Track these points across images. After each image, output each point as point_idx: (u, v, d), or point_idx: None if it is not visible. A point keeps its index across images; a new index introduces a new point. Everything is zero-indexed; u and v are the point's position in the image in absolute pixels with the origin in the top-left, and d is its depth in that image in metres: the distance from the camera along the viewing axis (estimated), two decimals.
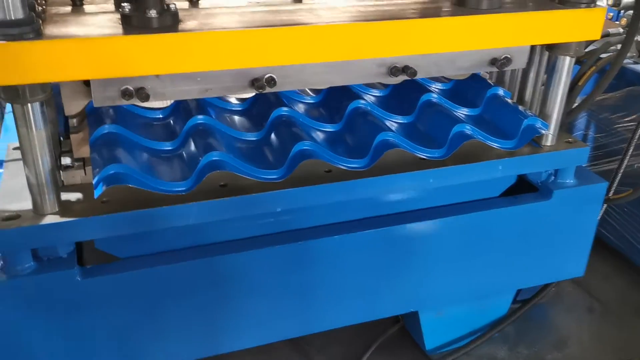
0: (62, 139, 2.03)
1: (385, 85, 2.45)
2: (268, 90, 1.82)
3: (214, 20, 1.78)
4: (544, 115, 2.25)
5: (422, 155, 2.04)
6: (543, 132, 2.16)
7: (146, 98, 1.70)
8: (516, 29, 2.00)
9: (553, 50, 2.15)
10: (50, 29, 1.63)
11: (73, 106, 1.88)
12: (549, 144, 2.26)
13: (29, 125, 1.64)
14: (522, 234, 2.34)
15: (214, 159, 1.79)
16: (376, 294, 2.23)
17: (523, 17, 1.98)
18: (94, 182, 1.67)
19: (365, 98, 2.29)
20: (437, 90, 2.42)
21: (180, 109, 2.12)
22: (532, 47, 2.21)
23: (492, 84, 2.36)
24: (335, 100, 2.28)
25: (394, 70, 1.94)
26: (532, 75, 2.31)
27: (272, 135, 2.05)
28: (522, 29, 2.00)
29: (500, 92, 2.31)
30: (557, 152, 2.25)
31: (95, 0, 1.97)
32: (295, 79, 1.86)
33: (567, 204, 2.34)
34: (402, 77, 1.97)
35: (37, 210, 1.75)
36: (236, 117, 2.22)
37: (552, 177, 2.34)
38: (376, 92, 2.43)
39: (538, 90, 2.33)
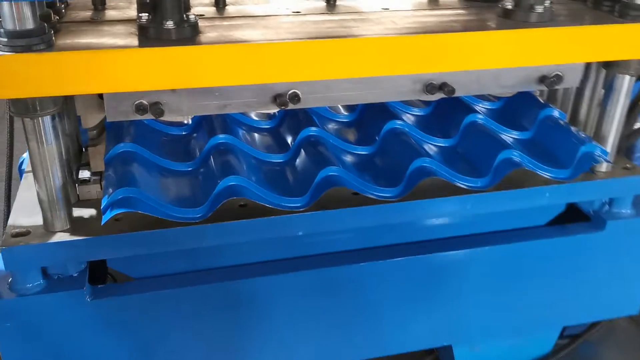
0: (84, 150, 1.96)
1: (427, 103, 2.29)
2: (291, 106, 1.70)
3: (236, 31, 1.67)
4: (599, 138, 2.06)
5: (462, 185, 1.86)
6: (602, 160, 1.95)
7: (160, 114, 1.60)
8: (568, 45, 1.81)
9: (610, 67, 1.96)
10: (63, 39, 1.55)
11: (89, 119, 1.81)
12: (603, 170, 2.06)
13: (39, 139, 1.57)
14: (570, 267, 2.14)
15: (232, 184, 1.68)
16: (408, 325, 2.08)
17: (576, 32, 1.79)
18: (102, 206, 1.59)
19: (404, 117, 2.14)
20: (483, 109, 2.25)
21: (204, 124, 2.02)
22: (587, 64, 2.02)
23: (546, 103, 2.16)
24: (370, 119, 2.13)
25: (429, 88, 1.79)
26: (587, 93, 2.11)
27: (299, 158, 1.92)
28: (575, 45, 1.81)
29: (555, 113, 2.11)
30: (613, 179, 2.04)
31: (119, 5, 1.89)
32: (321, 95, 1.74)
33: (622, 236, 2.13)
34: (439, 95, 1.81)
35: (47, 227, 1.68)
36: (262, 136, 2.11)
37: (607, 206, 2.14)
38: (416, 111, 2.27)
39: (593, 110, 2.12)
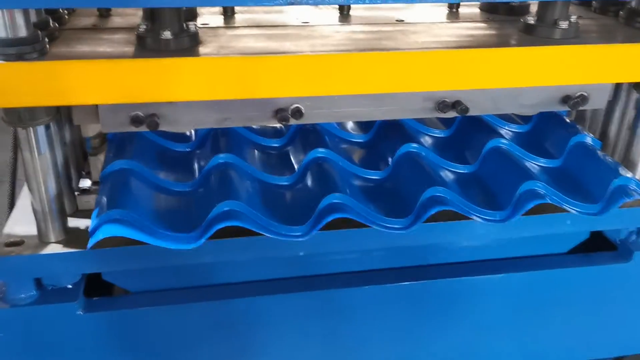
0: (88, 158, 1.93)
1: (448, 124, 2.16)
2: (294, 122, 1.63)
3: (237, 42, 1.60)
4: (628, 162, 1.93)
5: (478, 218, 1.72)
6: (637, 196, 1.77)
7: (156, 126, 1.55)
8: (593, 64, 1.69)
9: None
10: (59, 48, 1.52)
11: (88, 128, 1.76)
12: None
13: (31, 149, 1.54)
14: (593, 298, 2.01)
15: (227, 209, 1.59)
16: (414, 353, 1.98)
17: (602, 51, 1.67)
18: (90, 228, 1.54)
19: (422, 139, 2.02)
20: (509, 133, 2.11)
21: (209, 141, 1.94)
22: (617, 84, 1.88)
23: (577, 128, 2.02)
24: (385, 140, 2.01)
25: (441, 106, 1.69)
26: (617, 115, 1.97)
27: (305, 181, 1.82)
28: (601, 64, 1.69)
29: (588, 140, 1.97)
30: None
31: (126, 12, 1.85)
32: (326, 111, 1.66)
33: None
34: (452, 114, 1.71)
35: (41, 237, 1.65)
36: (268, 155, 2.01)
37: (634, 236, 1.99)
38: (436, 133, 2.13)
39: (624, 133, 1.98)
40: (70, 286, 1.71)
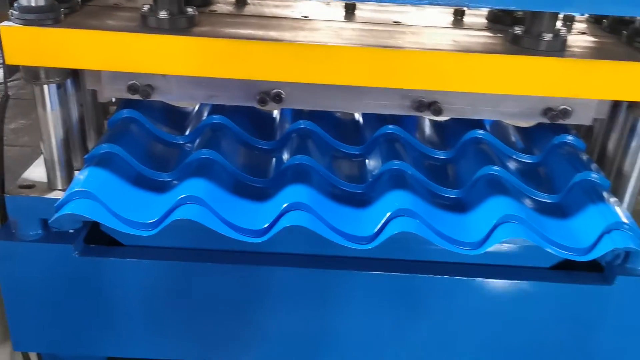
0: None
1: (453, 145, 2.12)
2: (272, 105, 1.76)
3: (231, 28, 1.76)
4: (618, 183, 1.89)
5: (443, 247, 1.72)
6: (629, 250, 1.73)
7: (147, 95, 1.75)
8: (576, 79, 1.69)
9: (632, 109, 1.80)
10: (74, 19, 1.74)
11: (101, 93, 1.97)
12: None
13: (44, 105, 1.77)
14: (570, 318, 1.97)
15: (186, 202, 1.68)
16: (381, 347, 2.04)
17: (585, 66, 1.68)
18: (56, 204, 1.71)
19: (425, 162, 2.04)
20: (515, 162, 2.09)
21: (202, 135, 2.02)
22: (616, 103, 1.87)
23: (590, 163, 1.96)
24: (377, 154, 2.02)
25: (418, 105, 1.76)
26: (615, 135, 1.94)
27: (278, 185, 1.85)
28: (585, 80, 1.69)
29: (594, 176, 1.90)
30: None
31: None
32: (304, 99, 1.78)
33: (635, 296, 1.93)
34: (427, 114, 1.78)
35: (50, 184, 1.89)
36: (254, 155, 2.06)
37: (620, 260, 1.95)
38: (439, 154, 2.12)
39: (620, 153, 1.95)
40: (72, 231, 1.94)
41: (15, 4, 1.64)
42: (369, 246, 1.68)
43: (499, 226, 1.71)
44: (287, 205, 1.68)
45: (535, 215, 1.82)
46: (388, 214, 1.69)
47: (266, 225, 1.69)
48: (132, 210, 1.76)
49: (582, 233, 1.76)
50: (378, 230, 1.68)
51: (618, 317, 1.97)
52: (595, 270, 1.97)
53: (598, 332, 2.00)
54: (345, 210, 1.78)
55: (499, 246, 1.85)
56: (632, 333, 1.98)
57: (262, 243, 1.70)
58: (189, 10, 1.75)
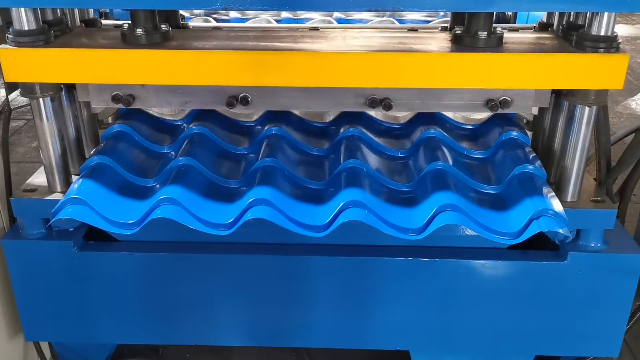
0: None
1: (412, 141, 2.31)
2: (240, 108, 1.97)
3: (199, 41, 1.98)
4: (561, 168, 2.05)
5: (390, 233, 1.89)
6: (560, 232, 1.86)
7: (128, 104, 1.97)
8: (511, 71, 1.86)
9: (568, 97, 1.96)
10: (65, 39, 1.98)
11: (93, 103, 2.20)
12: (568, 199, 2.05)
13: (40, 116, 2.00)
14: (530, 294, 2.13)
15: (163, 204, 1.89)
16: (362, 322, 2.21)
17: (519, 59, 1.85)
18: (53, 209, 1.92)
19: (378, 156, 2.24)
20: (466, 159, 2.26)
21: (186, 145, 2.21)
22: (558, 93, 2.03)
23: (532, 161, 2.10)
24: (339, 154, 2.20)
25: (370, 102, 1.95)
26: (558, 124, 2.09)
27: (250, 184, 2.04)
28: (520, 71, 1.86)
29: (530, 167, 2.06)
30: (575, 210, 2.02)
31: None
32: (269, 100, 1.98)
33: (587, 271, 2.07)
34: (379, 109, 1.96)
35: (50, 187, 2.12)
36: (228, 160, 2.26)
37: (572, 237, 2.09)
38: (397, 152, 2.31)
39: (561, 142, 2.10)
40: (72, 229, 2.17)
41: (10, 29, 1.88)
42: (323, 234, 1.88)
43: (438, 214, 1.88)
44: (251, 201, 1.90)
45: (473, 205, 1.99)
46: (341, 204, 1.89)
47: (231, 219, 1.91)
48: (119, 212, 1.97)
49: (515, 219, 1.93)
50: (331, 219, 1.88)
51: (572, 290, 2.11)
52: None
53: (554, 306, 2.14)
54: (305, 205, 2.00)
55: (466, 230, 2.02)
56: (585, 305, 2.12)
57: (230, 235, 1.90)
58: (163, 26, 1.97)
